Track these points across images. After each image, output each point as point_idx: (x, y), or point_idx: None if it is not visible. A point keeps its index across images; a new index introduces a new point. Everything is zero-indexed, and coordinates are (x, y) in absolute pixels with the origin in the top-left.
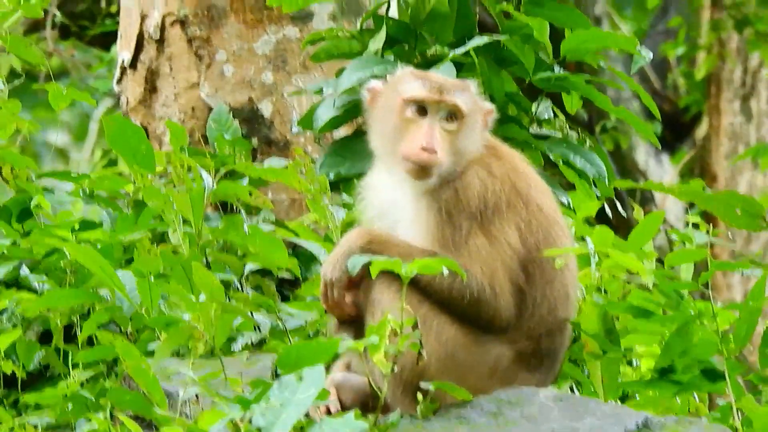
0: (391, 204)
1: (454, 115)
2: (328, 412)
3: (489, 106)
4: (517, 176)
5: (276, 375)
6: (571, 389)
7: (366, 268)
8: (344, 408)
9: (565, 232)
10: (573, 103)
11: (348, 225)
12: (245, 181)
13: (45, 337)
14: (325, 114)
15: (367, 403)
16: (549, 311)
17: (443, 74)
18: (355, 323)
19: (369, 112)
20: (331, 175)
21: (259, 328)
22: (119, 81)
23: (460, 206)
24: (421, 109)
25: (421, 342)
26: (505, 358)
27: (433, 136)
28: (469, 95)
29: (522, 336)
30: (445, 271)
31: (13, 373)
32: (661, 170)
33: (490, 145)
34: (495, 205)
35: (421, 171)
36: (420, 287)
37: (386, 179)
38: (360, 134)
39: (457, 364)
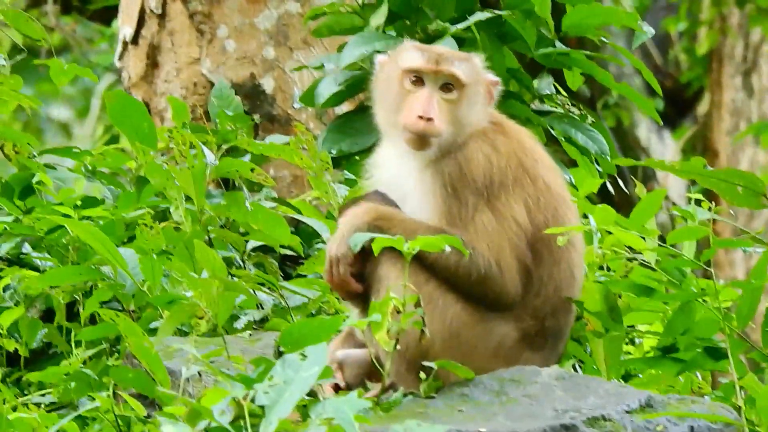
0: (396, 180)
1: (452, 84)
2: (335, 388)
3: (493, 78)
4: (524, 153)
5: (279, 353)
6: (574, 368)
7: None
8: (348, 385)
9: (573, 211)
10: (575, 79)
11: (350, 202)
12: (247, 158)
13: (47, 315)
14: (326, 90)
15: (371, 376)
16: (555, 291)
17: None
18: (361, 300)
19: (373, 86)
20: (333, 152)
21: (261, 306)
22: (121, 56)
23: (465, 181)
24: (420, 79)
25: (424, 320)
26: (509, 338)
27: (431, 104)
28: (469, 65)
29: (527, 315)
30: (449, 249)
31: (16, 351)
32: (663, 146)
33: (496, 120)
34: (501, 181)
35: (420, 140)
36: (426, 264)
37: (392, 155)
38: (362, 110)
39: (461, 342)
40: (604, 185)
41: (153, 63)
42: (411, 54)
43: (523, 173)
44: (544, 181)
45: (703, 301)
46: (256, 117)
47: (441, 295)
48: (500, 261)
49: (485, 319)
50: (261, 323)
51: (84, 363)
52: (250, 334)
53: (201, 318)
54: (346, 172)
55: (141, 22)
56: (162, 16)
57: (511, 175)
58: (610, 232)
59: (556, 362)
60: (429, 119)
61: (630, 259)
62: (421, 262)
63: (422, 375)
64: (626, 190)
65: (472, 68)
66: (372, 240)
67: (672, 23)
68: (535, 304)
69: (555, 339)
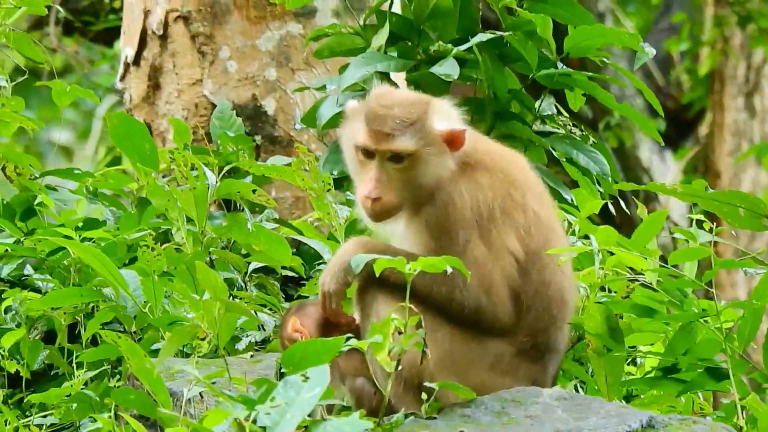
0: (383, 230)
1: (400, 156)
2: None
3: (456, 127)
4: (512, 185)
5: (280, 374)
6: (575, 388)
7: (363, 279)
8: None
9: (561, 241)
10: (576, 100)
11: (352, 223)
12: (249, 179)
13: (49, 337)
14: (328, 111)
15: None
16: (545, 309)
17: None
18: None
19: (340, 133)
20: (335, 173)
21: (263, 327)
22: (122, 78)
23: (452, 218)
24: (369, 152)
25: (425, 341)
26: (506, 352)
27: (379, 181)
28: (416, 129)
29: (520, 334)
30: (443, 276)
31: (18, 373)
32: (665, 167)
33: (475, 159)
34: (490, 214)
35: (375, 215)
36: (418, 299)
37: None
38: None
39: (456, 360)
40: (605, 206)
41: (155, 84)
42: (358, 129)
43: (513, 205)
44: (534, 211)
45: (705, 321)
46: (258, 138)
47: (430, 317)
48: (491, 292)
49: (477, 336)
50: (263, 344)
51: (85, 384)
52: (252, 356)
53: (202, 339)
54: (348, 193)
55: (143, 44)
56: (164, 38)
57: (499, 207)
58: (611, 253)
59: (553, 378)
60: (376, 199)
61: (631, 280)
62: (412, 296)
63: (423, 396)
64: (628, 211)
65: (421, 130)
66: (369, 265)
67: (674, 44)
68: (528, 324)
69: (551, 352)
